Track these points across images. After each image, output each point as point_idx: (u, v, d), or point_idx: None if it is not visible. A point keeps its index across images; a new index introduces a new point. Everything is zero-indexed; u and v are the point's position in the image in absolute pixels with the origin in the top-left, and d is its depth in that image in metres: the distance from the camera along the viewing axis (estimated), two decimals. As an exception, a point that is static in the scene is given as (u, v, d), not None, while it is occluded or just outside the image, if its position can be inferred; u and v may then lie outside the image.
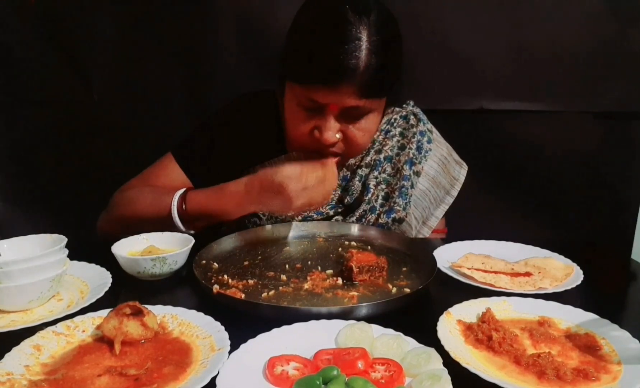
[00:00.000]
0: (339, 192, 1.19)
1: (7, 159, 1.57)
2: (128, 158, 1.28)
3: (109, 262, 0.90)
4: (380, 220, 1.15)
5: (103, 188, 1.20)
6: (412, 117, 1.23)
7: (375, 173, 1.17)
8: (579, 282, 0.88)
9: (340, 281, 0.87)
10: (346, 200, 1.18)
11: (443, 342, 0.64)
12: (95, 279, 0.87)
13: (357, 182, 1.18)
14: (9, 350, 0.63)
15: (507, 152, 1.58)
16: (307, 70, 0.99)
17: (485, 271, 0.93)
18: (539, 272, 0.92)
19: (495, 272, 0.93)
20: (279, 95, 1.14)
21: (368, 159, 1.19)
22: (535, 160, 1.58)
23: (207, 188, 1.07)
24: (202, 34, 1.51)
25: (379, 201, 1.16)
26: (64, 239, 0.83)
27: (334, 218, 1.19)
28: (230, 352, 0.62)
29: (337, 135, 1.04)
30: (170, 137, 1.27)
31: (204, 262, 0.93)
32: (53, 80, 1.51)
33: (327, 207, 1.18)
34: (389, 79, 1.03)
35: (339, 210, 1.19)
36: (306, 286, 0.85)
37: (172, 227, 1.04)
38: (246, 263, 0.96)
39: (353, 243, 1.07)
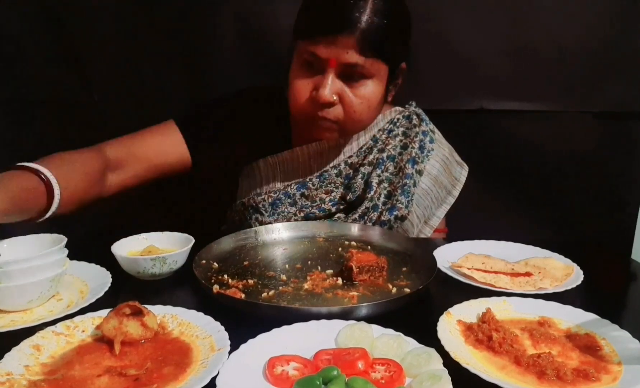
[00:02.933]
0: (342, 190, 1.19)
1: (7, 158, 1.57)
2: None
3: (109, 262, 0.90)
4: (382, 218, 1.15)
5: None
6: (414, 117, 1.24)
7: (378, 171, 1.18)
8: (579, 282, 0.88)
9: (340, 281, 0.87)
10: (348, 197, 1.18)
11: (443, 342, 0.64)
12: (95, 279, 0.87)
13: (359, 180, 1.18)
14: (8, 350, 0.62)
15: (507, 152, 1.58)
16: (309, 22, 1.03)
17: (486, 271, 0.93)
18: (539, 272, 0.92)
19: (496, 272, 0.93)
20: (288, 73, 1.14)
21: (371, 157, 1.19)
22: (535, 160, 1.58)
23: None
24: (202, 34, 1.51)
25: (382, 199, 1.16)
26: (63, 239, 0.83)
27: (336, 216, 1.19)
28: (230, 352, 0.62)
29: (334, 97, 1.04)
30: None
31: (204, 262, 0.93)
32: (53, 80, 1.51)
33: (329, 204, 1.18)
34: (391, 43, 1.05)
35: (341, 207, 1.19)
36: (306, 286, 0.85)
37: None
38: (246, 263, 0.96)
39: (353, 243, 1.07)
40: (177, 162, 1.17)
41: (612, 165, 1.57)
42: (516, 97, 1.52)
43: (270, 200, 1.19)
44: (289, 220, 1.18)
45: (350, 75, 1.04)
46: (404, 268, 0.93)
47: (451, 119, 1.38)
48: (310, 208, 1.17)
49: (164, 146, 1.15)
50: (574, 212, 1.59)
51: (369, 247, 1.04)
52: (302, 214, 1.17)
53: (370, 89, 1.06)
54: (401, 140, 1.21)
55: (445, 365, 0.60)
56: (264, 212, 1.18)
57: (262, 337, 0.66)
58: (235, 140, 1.20)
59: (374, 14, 0.99)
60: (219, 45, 1.52)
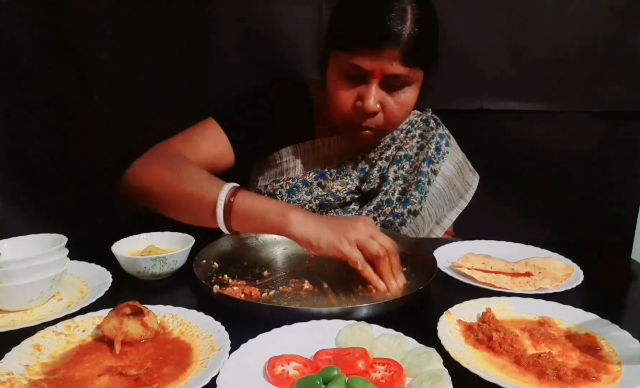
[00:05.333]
0: (356, 183, 1.21)
1: (7, 158, 1.57)
2: (128, 158, 1.28)
3: (109, 262, 0.90)
4: (396, 211, 1.17)
5: (103, 188, 1.20)
6: (432, 121, 1.28)
7: (395, 167, 1.20)
8: (579, 282, 0.88)
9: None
10: (363, 188, 1.20)
11: (443, 342, 0.64)
12: (95, 279, 0.87)
13: (375, 172, 1.20)
14: (9, 349, 0.62)
15: (507, 152, 1.57)
16: (355, 36, 1.02)
17: (486, 271, 0.93)
18: (539, 272, 0.92)
19: (496, 272, 0.93)
20: (321, 71, 1.15)
21: (388, 153, 1.22)
22: (535, 160, 1.58)
23: (260, 196, 0.99)
24: (203, 34, 1.51)
25: (396, 195, 1.19)
26: (64, 239, 0.83)
27: (350, 207, 1.21)
28: (230, 352, 0.62)
29: (378, 106, 1.06)
30: (171, 137, 1.27)
31: (204, 261, 0.93)
32: (53, 80, 1.51)
33: (344, 192, 1.20)
34: (428, 52, 1.07)
35: (356, 196, 1.21)
36: (306, 286, 0.85)
37: (208, 220, 0.92)
38: (246, 263, 0.96)
39: None
40: (222, 159, 1.17)
41: (612, 165, 1.57)
42: (516, 97, 1.52)
43: (288, 187, 1.20)
44: (303, 207, 1.18)
45: (392, 84, 1.05)
46: (404, 268, 0.93)
47: (451, 119, 1.38)
48: (325, 197, 1.19)
49: (210, 146, 1.16)
50: (574, 212, 1.59)
51: None
52: (317, 202, 1.19)
53: (409, 95, 1.08)
54: (418, 142, 1.25)
55: (445, 365, 0.60)
56: (280, 198, 1.20)
57: (262, 337, 0.66)
58: (267, 131, 1.22)
59: (414, 24, 0.99)
60: (219, 46, 1.52)
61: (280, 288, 0.85)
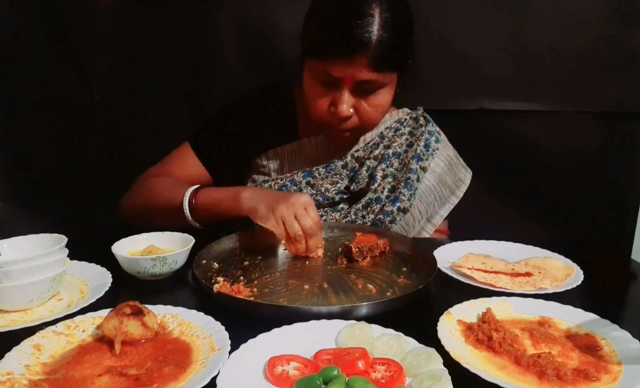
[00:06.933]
0: (346, 182, 1.22)
1: (7, 159, 1.57)
2: (128, 158, 1.29)
3: (109, 262, 0.90)
4: (385, 209, 1.17)
5: (103, 188, 1.20)
6: (422, 118, 1.28)
7: (383, 166, 1.20)
8: (579, 282, 0.88)
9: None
10: (352, 188, 1.21)
11: (443, 342, 0.64)
12: (95, 279, 0.87)
13: (364, 172, 1.21)
14: (9, 349, 0.62)
15: (507, 152, 1.58)
16: (324, 44, 1.03)
17: (486, 271, 0.93)
18: (539, 272, 0.92)
19: (496, 272, 0.93)
20: (299, 74, 1.17)
21: (377, 152, 1.22)
22: (535, 160, 1.58)
23: (220, 188, 1.08)
24: (202, 34, 1.51)
25: (385, 193, 1.19)
26: (64, 239, 0.83)
27: (339, 206, 1.21)
28: (230, 352, 0.62)
29: (351, 110, 1.08)
30: (171, 138, 1.27)
31: (204, 261, 0.93)
32: (53, 80, 1.51)
33: (333, 192, 1.20)
34: (399, 55, 1.07)
35: (345, 196, 1.21)
36: (306, 286, 0.85)
37: (184, 220, 1.07)
38: (246, 263, 0.96)
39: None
40: (199, 180, 1.20)
41: (612, 165, 1.57)
42: (516, 97, 1.52)
43: (276, 187, 1.21)
44: None
45: (365, 88, 1.06)
46: (404, 268, 0.93)
47: (451, 119, 1.38)
48: (314, 196, 1.19)
49: (187, 171, 1.23)
50: (574, 212, 1.59)
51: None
52: None
53: (383, 96, 1.09)
54: (407, 139, 1.24)
55: (445, 365, 0.60)
56: None
57: (262, 337, 0.66)
58: (247, 142, 1.25)
59: (383, 30, 1.00)
60: (219, 46, 1.52)
61: (280, 288, 0.85)
